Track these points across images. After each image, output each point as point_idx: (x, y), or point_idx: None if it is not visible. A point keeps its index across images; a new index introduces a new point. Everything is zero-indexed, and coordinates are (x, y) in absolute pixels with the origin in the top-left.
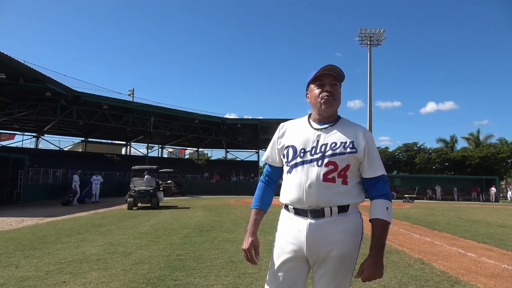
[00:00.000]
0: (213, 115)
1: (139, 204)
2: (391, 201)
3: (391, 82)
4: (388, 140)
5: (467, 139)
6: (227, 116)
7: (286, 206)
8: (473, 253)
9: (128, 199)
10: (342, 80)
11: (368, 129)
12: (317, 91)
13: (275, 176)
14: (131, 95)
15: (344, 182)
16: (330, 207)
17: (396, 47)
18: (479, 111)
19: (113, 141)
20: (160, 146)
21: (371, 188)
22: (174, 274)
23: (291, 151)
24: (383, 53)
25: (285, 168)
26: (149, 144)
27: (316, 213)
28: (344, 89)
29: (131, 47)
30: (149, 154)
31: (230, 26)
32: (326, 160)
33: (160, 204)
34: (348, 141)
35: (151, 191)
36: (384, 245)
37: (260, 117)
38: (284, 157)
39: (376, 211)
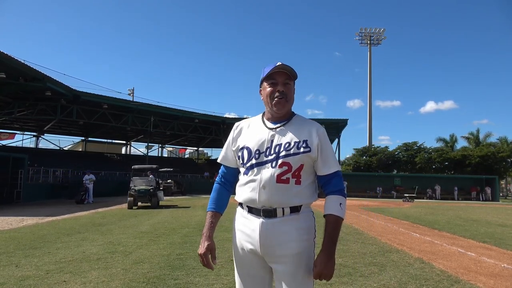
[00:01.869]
0: (213, 114)
1: (139, 204)
2: (345, 197)
3: (390, 82)
4: (388, 139)
5: (467, 138)
6: (226, 115)
7: (241, 204)
8: (473, 252)
9: (128, 198)
10: (295, 78)
11: (368, 128)
12: (269, 89)
13: (231, 177)
14: (131, 94)
15: (298, 182)
16: (283, 208)
17: (395, 46)
18: (479, 111)
19: (113, 141)
20: (160, 145)
21: (326, 184)
22: (174, 273)
23: (245, 152)
24: (382, 53)
25: (241, 170)
26: (149, 144)
27: (269, 213)
28: (343, 88)
29: (131, 47)
30: (149, 154)
31: (230, 26)
32: (280, 161)
33: (160, 204)
34: (302, 140)
35: (151, 190)
36: (336, 241)
37: None
38: (239, 159)
39: (329, 207)
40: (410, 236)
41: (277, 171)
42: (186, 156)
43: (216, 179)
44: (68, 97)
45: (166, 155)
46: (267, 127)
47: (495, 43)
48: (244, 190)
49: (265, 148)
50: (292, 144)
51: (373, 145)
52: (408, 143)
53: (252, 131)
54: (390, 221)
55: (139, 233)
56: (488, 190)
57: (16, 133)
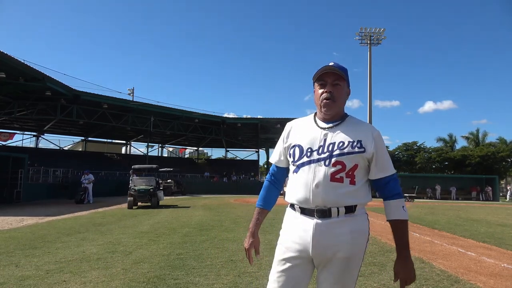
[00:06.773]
0: (213, 114)
1: (139, 203)
2: (404, 199)
3: (389, 82)
4: (387, 139)
5: (467, 138)
6: (226, 115)
7: (292, 205)
8: (473, 252)
9: (128, 198)
10: (347, 78)
11: None
12: (319, 91)
13: (282, 176)
14: (131, 94)
15: (352, 182)
16: (337, 208)
17: (394, 46)
18: (478, 110)
19: (113, 140)
20: (160, 145)
21: (383, 188)
22: (174, 273)
23: (297, 150)
24: (381, 52)
25: (292, 168)
26: (149, 143)
27: (323, 213)
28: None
29: (131, 46)
30: (149, 153)
31: (230, 26)
32: (333, 160)
33: (160, 203)
34: (356, 140)
35: (151, 190)
36: (408, 243)
37: (259, 116)
38: (290, 157)
39: (393, 213)
40: (410, 236)
41: (331, 169)
42: (186, 156)
43: (266, 177)
44: (68, 97)
45: (166, 155)
46: (319, 126)
47: (494, 42)
48: (296, 190)
49: (317, 146)
50: (346, 143)
51: None
52: (407, 143)
53: (304, 130)
54: None
55: (139, 233)
56: (489, 190)
57: (16, 133)
